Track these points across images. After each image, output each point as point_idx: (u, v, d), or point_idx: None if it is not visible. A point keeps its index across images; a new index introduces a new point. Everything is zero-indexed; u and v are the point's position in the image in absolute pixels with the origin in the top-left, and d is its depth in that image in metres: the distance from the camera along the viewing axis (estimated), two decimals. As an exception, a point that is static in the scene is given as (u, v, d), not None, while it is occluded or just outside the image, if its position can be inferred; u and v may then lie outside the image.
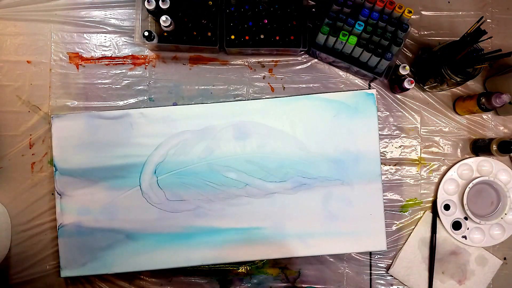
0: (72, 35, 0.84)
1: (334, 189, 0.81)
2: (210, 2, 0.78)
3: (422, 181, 0.86)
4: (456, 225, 0.84)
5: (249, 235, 0.80)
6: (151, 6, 0.76)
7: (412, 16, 0.76)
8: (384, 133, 0.86)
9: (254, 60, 0.85)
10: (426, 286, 0.83)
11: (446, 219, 0.84)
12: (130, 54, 0.85)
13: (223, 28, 0.79)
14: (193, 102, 0.84)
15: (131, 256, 0.79)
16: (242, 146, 0.81)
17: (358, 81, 0.86)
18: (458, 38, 0.75)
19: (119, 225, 0.80)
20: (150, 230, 0.80)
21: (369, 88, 0.85)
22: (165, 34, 0.77)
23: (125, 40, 0.85)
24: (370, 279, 0.84)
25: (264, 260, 0.83)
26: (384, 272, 0.84)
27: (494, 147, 0.79)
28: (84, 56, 0.84)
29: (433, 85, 0.82)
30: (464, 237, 0.84)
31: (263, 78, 0.85)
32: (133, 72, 0.84)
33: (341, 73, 0.86)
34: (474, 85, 0.87)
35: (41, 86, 0.83)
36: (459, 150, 0.86)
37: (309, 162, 0.81)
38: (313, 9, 0.84)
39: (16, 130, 0.83)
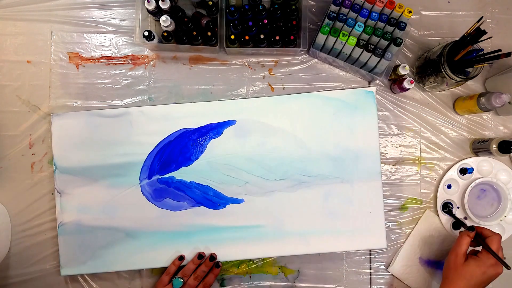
0: (72, 35, 0.85)
1: (334, 187, 0.81)
2: (210, 2, 0.78)
3: (422, 180, 0.86)
4: (456, 225, 0.84)
5: (248, 233, 0.80)
6: (151, 6, 0.76)
7: (412, 16, 0.76)
8: (384, 132, 0.86)
9: (254, 60, 0.85)
10: (426, 284, 0.83)
11: (446, 219, 0.84)
12: (130, 54, 0.85)
13: (223, 28, 0.79)
14: (193, 102, 0.84)
15: (131, 254, 0.79)
16: (242, 144, 0.81)
17: (358, 81, 0.86)
18: (458, 38, 0.75)
19: (119, 223, 0.80)
20: (150, 228, 0.80)
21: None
22: (165, 34, 0.77)
23: (125, 40, 0.85)
24: (370, 277, 0.84)
25: (263, 258, 0.82)
26: (384, 270, 0.84)
27: (494, 147, 0.79)
28: (84, 56, 0.84)
29: (433, 85, 0.82)
30: (464, 237, 0.84)
31: (263, 78, 0.85)
32: (133, 72, 0.84)
33: (341, 73, 0.86)
34: (474, 85, 0.87)
35: (41, 86, 0.83)
36: (459, 150, 0.86)
37: (309, 160, 0.81)
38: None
39: (16, 130, 0.83)
